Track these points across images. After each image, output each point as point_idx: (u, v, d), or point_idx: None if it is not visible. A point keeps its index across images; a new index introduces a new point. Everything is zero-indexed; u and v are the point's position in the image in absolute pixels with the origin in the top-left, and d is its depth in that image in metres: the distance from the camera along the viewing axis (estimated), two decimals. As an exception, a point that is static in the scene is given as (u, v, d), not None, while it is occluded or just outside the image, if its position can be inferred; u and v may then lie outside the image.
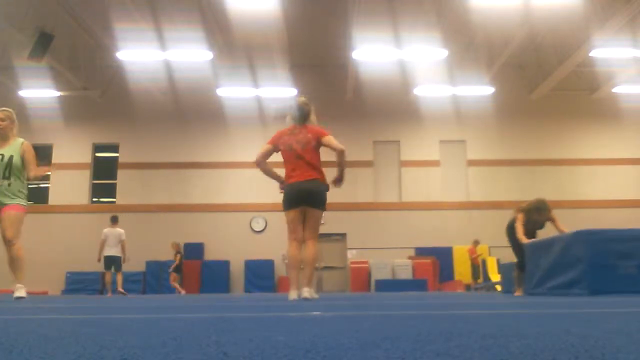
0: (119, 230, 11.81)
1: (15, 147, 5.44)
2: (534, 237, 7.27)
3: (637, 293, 5.07)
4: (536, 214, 7.17)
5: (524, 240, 7.07)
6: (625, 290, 5.14)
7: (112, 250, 11.66)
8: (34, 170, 5.43)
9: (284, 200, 5.19)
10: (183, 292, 14.27)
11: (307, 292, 4.84)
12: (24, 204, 5.46)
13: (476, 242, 16.13)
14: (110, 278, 11.87)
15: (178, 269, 14.49)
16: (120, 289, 11.68)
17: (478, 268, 15.84)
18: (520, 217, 7.23)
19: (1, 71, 16.83)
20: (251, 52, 16.34)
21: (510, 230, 7.54)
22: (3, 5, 13.01)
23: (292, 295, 4.93)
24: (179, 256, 14.49)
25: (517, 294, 7.44)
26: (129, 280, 15.82)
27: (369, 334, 1.33)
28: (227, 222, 17.45)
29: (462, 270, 16.67)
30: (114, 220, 11.97)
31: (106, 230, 11.78)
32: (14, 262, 5.34)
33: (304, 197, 5.10)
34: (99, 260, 11.75)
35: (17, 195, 5.41)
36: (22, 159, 5.43)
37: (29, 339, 1.28)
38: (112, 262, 11.70)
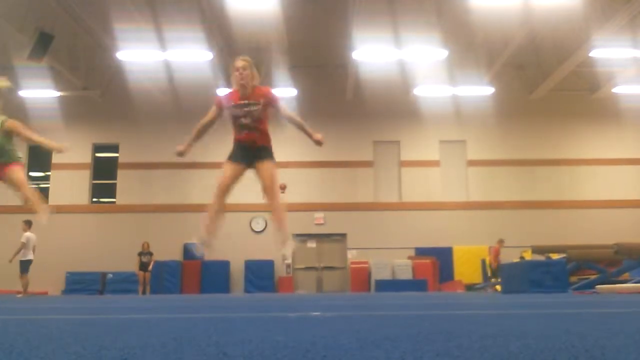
0: (34, 235, 11.89)
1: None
2: None
3: None
4: None
5: None
6: None
7: (31, 255, 11.73)
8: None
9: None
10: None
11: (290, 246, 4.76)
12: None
13: (501, 242, 15.25)
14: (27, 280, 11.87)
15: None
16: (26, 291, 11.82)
17: (494, 269, 15.05)
18: None
19: (1, 71, 16.79)
20: (251, 52, 16.29)
21: None
22: (3, 5, 13.00)
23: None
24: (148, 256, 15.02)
25: None
26: (129, 280, 15.83)
27: (369, 334, 1.33)
28: (227, 222, 17.26)
29: (462, 271, 16.65)
30: (30, 225, 11.86)
31: (28, 234, 11.76)
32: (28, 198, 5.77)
33: None
34: (10, 261, 11.67)
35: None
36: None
37: (29, 339, 1.28)
38: (29, 265, 11.74)
